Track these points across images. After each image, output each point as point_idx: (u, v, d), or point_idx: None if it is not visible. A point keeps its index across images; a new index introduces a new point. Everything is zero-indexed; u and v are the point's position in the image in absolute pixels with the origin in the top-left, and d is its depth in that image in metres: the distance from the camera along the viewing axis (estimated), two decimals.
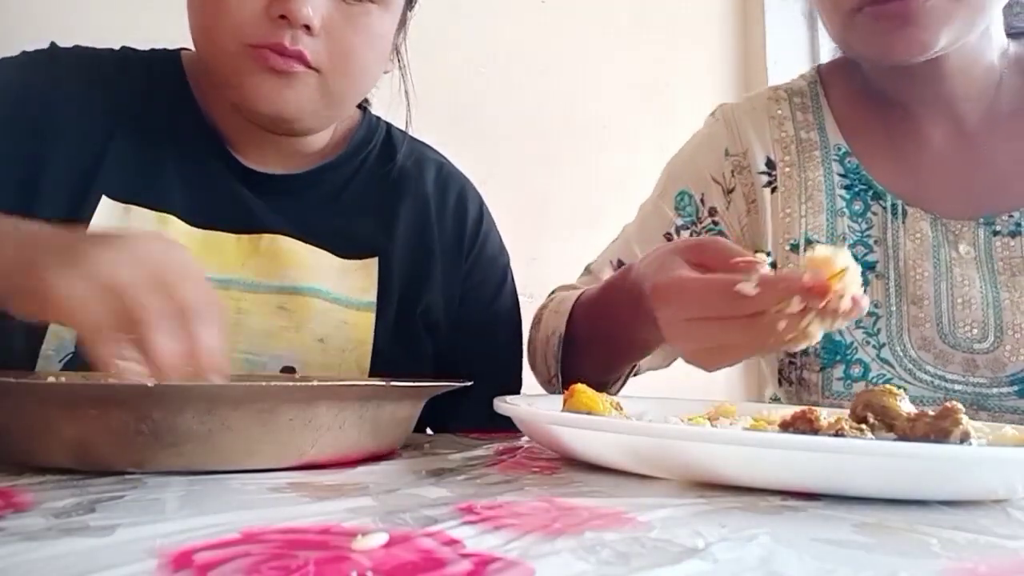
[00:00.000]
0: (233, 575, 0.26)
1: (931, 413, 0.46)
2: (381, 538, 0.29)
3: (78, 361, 0.64)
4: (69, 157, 0.70)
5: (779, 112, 0.83)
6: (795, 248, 0.78)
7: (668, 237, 0.84)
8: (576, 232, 1.90)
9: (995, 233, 0.72)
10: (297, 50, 0.65)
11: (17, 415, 0.43)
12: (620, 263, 0.85)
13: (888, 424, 0.48)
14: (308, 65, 0.67)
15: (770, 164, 0.81)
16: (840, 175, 0.78)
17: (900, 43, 0.68)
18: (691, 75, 2.08)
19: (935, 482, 0.40)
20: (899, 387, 0.62)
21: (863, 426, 0.47)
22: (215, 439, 0.42)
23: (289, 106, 0.68)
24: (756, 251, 0.79)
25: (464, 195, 0.88)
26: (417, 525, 0.33)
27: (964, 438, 0.43)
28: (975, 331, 0.71)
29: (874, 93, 0.80)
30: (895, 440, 0.46)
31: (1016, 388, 0.69)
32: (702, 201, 0.83)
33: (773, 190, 0.80)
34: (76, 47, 0.77)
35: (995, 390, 0.70)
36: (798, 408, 0.50)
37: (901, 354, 0.73)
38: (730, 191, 0.82)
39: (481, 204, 0.90)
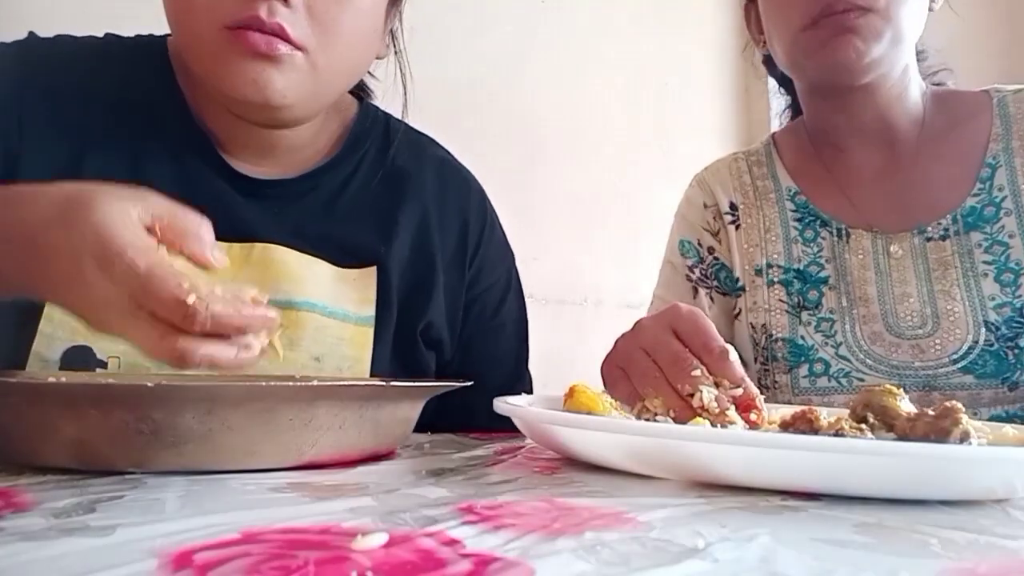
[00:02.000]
0: (233, 575, 0.26)
1: (931, 413, 0.46)
2: (381, 538, 0.29)
3: (73, 359, 0.63)
4: (47, 160, 0.66)
5: (738, 168, 1.01)
6: (759, 272, 0.94)
7: (688, 279, 0.98)
8: (576, 232, 1.90)
9: (928, 239, 0.86)
10: (276, 23, 0.61)
11: (17, 415, 0.43)
12: None
13: (888, 424, 0.48)
14: (291, 43, 0.62)
15: (732, 207, 0.98)
16: (792, 211, 0.95)
17: (840, 49, 0.79)
18: (691, 75, 2.08)
19: (935, 482, 0.40)
20: (858, 378, 0.83)
21: (863, 426, 0.47)
22: (215, 439, 0.42)
23: (276, 91, 0.63)
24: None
25: (467, 193, 0.84)
26: (417, 525, 0.33)
27: (964, 438, 0.43)
28: (915, 319, 0.83)
29: (816, 141, 0.95)
30: (895, 440, 0.46)
31: (959, 366, 0.80)
32: (699, 244, 0.99)
33: (737, 227, 0.97)
34: (57, 37, 0.72)
35: (942, 370, 0.80)
36: (798, 408, 0.50)
37: (856, 349, 0.84)
38: (716, 233, 0.99)
39: (484, 201, 0.86)
